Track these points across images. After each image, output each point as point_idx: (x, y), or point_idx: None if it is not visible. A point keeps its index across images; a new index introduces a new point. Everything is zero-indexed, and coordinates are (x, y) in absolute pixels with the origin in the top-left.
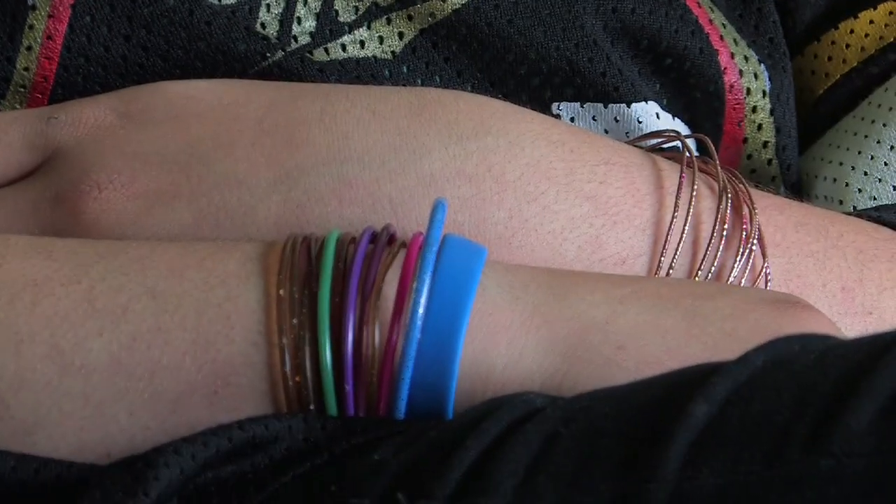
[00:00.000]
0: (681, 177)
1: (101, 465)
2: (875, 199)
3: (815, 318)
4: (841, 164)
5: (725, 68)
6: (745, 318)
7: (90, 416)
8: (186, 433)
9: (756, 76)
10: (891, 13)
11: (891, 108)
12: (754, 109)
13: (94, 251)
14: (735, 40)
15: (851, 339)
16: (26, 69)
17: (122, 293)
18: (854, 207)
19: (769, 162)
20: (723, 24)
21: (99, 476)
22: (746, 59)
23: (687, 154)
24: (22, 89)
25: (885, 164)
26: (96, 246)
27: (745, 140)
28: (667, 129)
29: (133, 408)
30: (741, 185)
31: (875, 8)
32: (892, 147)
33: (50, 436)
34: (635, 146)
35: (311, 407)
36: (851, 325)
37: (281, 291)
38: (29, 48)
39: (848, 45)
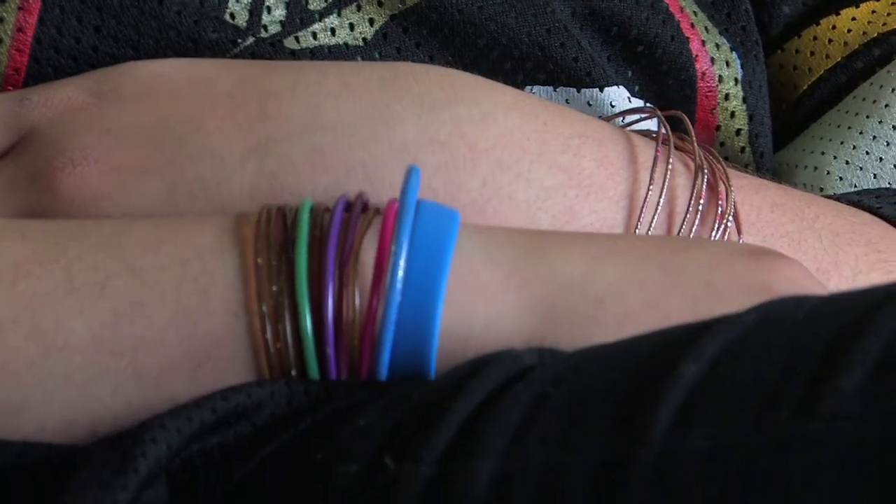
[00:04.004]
0: (656, 151)
1: (88, 445)
2: (855, 187)
3: (793, 267)
4: (822, 153)
5: (697, 56)
6: (723, 268)
7: (74, 396)
8: (171, 408)
9: (728, 64)
10: (873, 11)
11: (874, 101)
12: (727, 97)
13: (68, 230)
14: (706, 28)
15: (844, 294)
16: None
17: (99, 270)
18: (834, 194)
19: (742, 150)
20: (694, 11)
21: (86, 455)
22: (718, 46)
23: (663, 130)
24: None
25: (867, 152)
26: (69, 225)
27: (718, 128)
28: (644, 106)
29: (117, 385)
30: (718, 164)
31: (857, 6)
32: (873, 137)
33: (35, 417)
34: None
35: (293, 373)
36: None
37: (259, 260)
38: None
39: (831, 41)
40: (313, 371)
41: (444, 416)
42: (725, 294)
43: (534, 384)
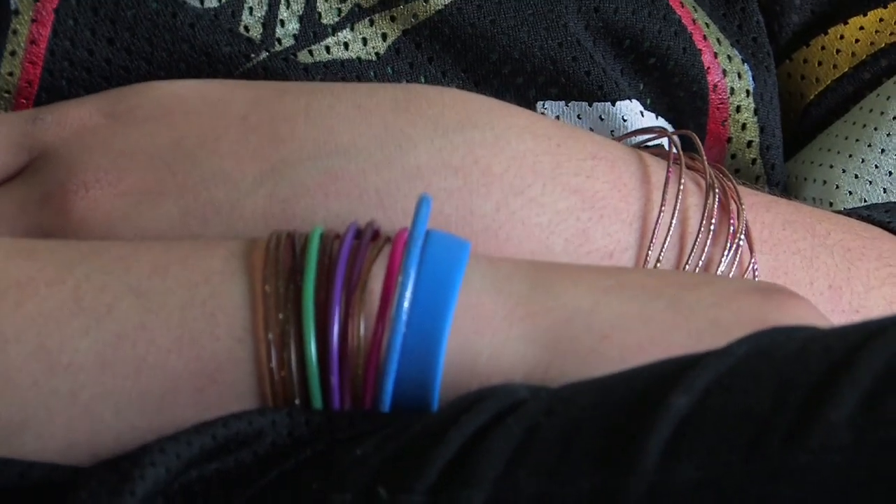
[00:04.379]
0: (668, 172)
1: (88, 466)
2: (864, 201)
3: (800, 305)
4: (831, 166)
5: (709, 68)
6: (730, 306)
7: (77, 416)
8: (173, 431)
9: (740, 75)
10: (881, 20)
11: (882, 113)
12: (738, 109)
13: (76, 251)
14: (718, 40)
15: (835, 328)
16: (10, 74)
17: (106, 292)
18: (844, 209)
19: (753, 161)
20: (706, 23)
21: (85, 476)
22: (730, 58)
23: (674, 150)
24: (7, 94)
25: (876, 166)
26: (79, 246)
27: (729, 140)
28: (654, 126)
29: (119, 406)
30: (729, 182)
31: (865, 14)
32: (882, 150)
33: (38, 436)
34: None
35: (297, 401)
36: (839, 323)
37: (266, 287)
38: (13, 53)
39: (839, 51)
40: (316, 399)
41: (438, 448)
42: (731, 331)
43: (526, 416)
